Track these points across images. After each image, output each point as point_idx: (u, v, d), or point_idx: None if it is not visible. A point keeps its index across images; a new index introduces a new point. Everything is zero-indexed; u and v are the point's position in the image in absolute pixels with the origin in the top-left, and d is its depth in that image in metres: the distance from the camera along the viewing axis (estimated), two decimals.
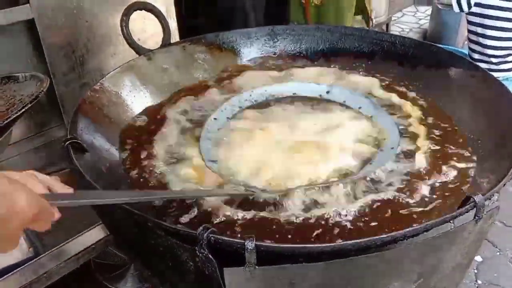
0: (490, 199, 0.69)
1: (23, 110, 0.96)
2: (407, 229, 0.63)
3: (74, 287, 1.40)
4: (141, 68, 1.19)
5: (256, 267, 0.60)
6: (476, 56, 2.44)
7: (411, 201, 0.84)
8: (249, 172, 0.94)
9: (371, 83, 1.24)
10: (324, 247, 0.61)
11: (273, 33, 1.41)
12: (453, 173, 0.90)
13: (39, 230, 0.56)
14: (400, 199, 0.84)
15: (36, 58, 1.41)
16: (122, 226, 0.82)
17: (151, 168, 0.94)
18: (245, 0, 2.32)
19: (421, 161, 0.94)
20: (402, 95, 1.17)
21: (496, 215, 0.69)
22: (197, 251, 0.61)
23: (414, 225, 0.64)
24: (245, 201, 0.85)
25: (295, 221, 0.80)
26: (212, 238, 0.61)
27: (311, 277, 0.63)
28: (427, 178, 0.89)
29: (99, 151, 0.95)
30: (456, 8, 2.35)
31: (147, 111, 1.14)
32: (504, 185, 0.73)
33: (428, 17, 4.11)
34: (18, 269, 1.11)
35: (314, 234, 0.77)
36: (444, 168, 0.92)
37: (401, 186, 0.88)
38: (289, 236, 0.76)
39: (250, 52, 1.38)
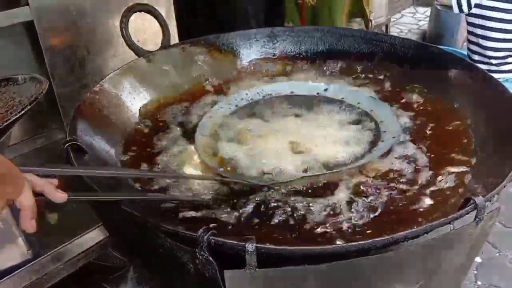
0: (490, 200, 0.69)
1: (22, 112, 0.96)
2: (408, 231, 0.63)
3: None
4: (140, 69, 1.19)
5: (257, 269, 0.60)
6: (475, 57, 2.44)
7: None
8: (246, 165, 0.94)
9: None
10: (325, 249, 0.61)
11: (272, 34, 1.41)
12: (452, 173, 0.91)
13: (7, 197, 0.53)
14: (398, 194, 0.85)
15: (35, 60, 1.41)
16: (122, 227, 0.82)
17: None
18: (244, 1, 2.32)
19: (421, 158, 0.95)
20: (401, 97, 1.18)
21: (497, 216, 0.69)
22: (197, 253, 0.61)
23: (415, 226, 0.64)
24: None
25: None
26: (212, 240, 0.61)
27: (312, 279, 0.63)
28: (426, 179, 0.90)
29: (99, 152, 0.95)
30: (456, 9, 2.35)
31: (147, 114, 1.14)
32: (505, 186, 0.73)
33: (427, 18, 4.12)
34: (17, 271, 1.11)
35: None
36: (443, 167, 0.92)
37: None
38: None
39: (249, 53, 1.38)
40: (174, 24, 1.63)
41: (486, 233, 0.72)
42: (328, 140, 1.02)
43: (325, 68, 1.34)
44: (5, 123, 0.94)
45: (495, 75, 1.13)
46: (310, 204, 0.84)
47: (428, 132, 1.04)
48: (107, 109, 1.06)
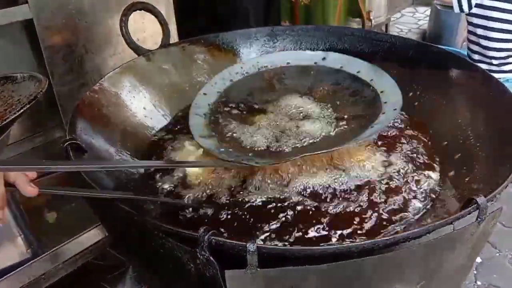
0: (492, 200, 0.68)
1: (22, 110, 0.95)
2: (410, 231, 0.63)
3: None
4: (140, 68, 1.18)
5: (258, 269, 0.60)
6: (476, 57, 2.44)
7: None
8: (241, 144, 0.93)
9: None
10: (326, 249, 0.61)
11: (272, 33, 1.41)
12: (452, 173, 0.90)
13: None
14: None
15: (34, 58, 1.41)
16: (122, 227, 0.81)
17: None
18: (244, 0, 2.31)
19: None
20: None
21: (498, 216, 0.69)
22: (198, 253, 0.61)
23: (417, 226, 0.63)
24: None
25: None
26: (213, 240, 0.60)
27: (313, 279, 0.62)
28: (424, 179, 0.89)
29: (98, 151, 0.94)
30: (456, 8, 2.34)
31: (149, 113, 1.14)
32: (506, 186, 0.73)
33: (427, 18, 4.11)
34: (16, 270, 1.11)
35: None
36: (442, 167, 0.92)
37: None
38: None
39: (250, 52, 1.37)
40: (174, 23, 1.62)
41: (487, 233, 0.72)
42: (326, 115, 0.98)
43: None
44: (4, 122, 0.94)
45: (496, 75, 1.12)
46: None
47: (426, 131, 1.03)
48: (107, 108, 1.05)
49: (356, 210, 0.83)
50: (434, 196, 0.87)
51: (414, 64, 1.23)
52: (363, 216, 0.82)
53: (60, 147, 0.83)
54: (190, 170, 0.93)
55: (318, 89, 1.06)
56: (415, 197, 0.88)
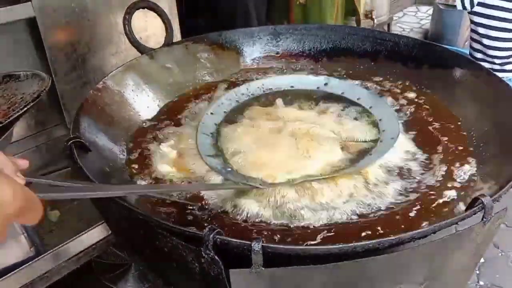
0: (498, 200, 0.68)
1: (25, 109, 0.95)
2: (415, 231, 0.63)
3: (74, 287, 1.39)
4: (143, 67, 1.18)
5: (263, 268, 0.60)
6: (478, 55, 2.43)
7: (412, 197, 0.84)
8: (247, 167, 0.93)
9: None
10: (332, 248, 0.60)
11: (275, 32, 1.41)
12: (457, 173, 0.90)
13: (27, 223, 0.53)
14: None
15: (37, 57, 1.41)
16: (125, 225, 0.81)
17: (153, 169, 0.94)
18: (246, 1, 2.31)
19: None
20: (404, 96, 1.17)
21: (504, 217, 0.69)
22: (202, 252, 0.61)
23: (422, 226, 0.63)
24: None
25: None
26: (218, 239, 0.60)
27: (317, 279, 0.62)
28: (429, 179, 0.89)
29: (102, 150, 0.94)
30: (459, 6, 2.34)
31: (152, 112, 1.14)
32: None
33: (429, 17, 4.11)
34: (19, 268, 1.11)
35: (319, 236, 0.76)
36: (447, 167, 0.91)
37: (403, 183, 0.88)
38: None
39: (253, 51, 1.37)
40: (177, 21, 1.62)
41: (492, 233, 0.72)
42: (327, 140, 0.99)
43: (328, 65, 1.33)
44: (8, 120, 0.94)
45: (499, 75, 1.12)
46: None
47: (430, 131, 1.03)
48: (110, 106, 1.05)
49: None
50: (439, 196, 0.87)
51: (418, 63, 1.23)
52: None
53: (63, 145, 0.83)
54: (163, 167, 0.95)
55: (320, 114, 1.09)
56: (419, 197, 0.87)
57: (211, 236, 0.60)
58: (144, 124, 1.09)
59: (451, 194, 0.84)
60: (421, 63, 1.22)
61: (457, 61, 1.15)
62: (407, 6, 4.78)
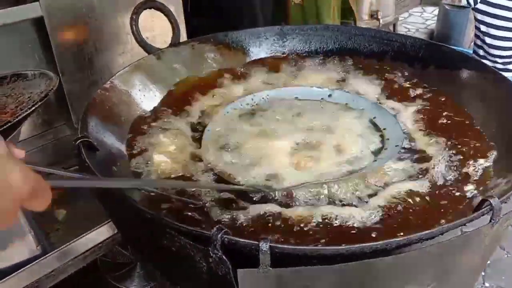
0: (506, 202, 0.68)
1: (33, 108, 0.96)
2: (423, 232, 0.63)
3: (80, 286, 1.40)
4: (150, 67, 1.18)
5: (270, 268, 0.60)
6: (480, 52, 2.43)
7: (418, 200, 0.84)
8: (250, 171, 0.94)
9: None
10: (339, 249, 0.60)
11: (282, 32, 1.41)
12: (464, 174, 0.90)
13: (35, 209, 0.53)
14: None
15: (44, 56, 1.42)
16: (133, 225, 0.81)
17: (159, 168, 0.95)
18: (252, 0, 2.32)
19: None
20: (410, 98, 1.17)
21: None
22: (210, 252, 0.61)
23: (430, 227, 0.63)
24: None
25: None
26: (226, 239, 0.61)
27: (325, 280, 0.62)
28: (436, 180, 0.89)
29: (110, 149, 0.95)
30: (463, 1, 2.34)
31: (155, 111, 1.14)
32: None
33: (435, 18, 4.10)
34: (26, 267, 1.11)
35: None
36: (454, 168, 0.91)
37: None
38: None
39: (259, 51, 1.38)
40: (183, 21, 1.63)
41: (500, 235, 0.72)
42: (330, 148, 1.00)
43: (334, 66, 1.33)
44: (16, 119, 0.94)
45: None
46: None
47: (437, 133, 1.03)
48: (117, 106, 1.06)
49: None
50: (445, 197, 0.87)
51: (425, 64, 1.22)
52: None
53: (72, 145, 0.84)
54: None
55: (325, 123, 1.09)
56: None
57: (219, 235, 0.60)
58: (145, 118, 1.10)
59: (468, 189, 0.85)
60: (428, 64, 1.22)
61: (464, 62, 1.15)
62: (412, 6, 4.77)
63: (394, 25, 3.66)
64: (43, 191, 0.51)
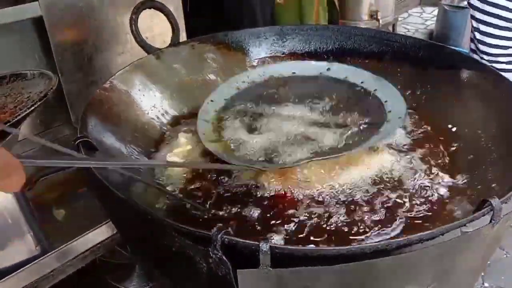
0: (507, 202, 0.68)
1: (32, 108, 0.96)
2: (423, 233, 0.63)
3: (80, 286, 1.40)
4: (150, 67, 1.18)
5: (270, 269, 0.60)
6: (472, 45, 2.44)
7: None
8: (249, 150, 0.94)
9: None
10: (340, 249, 0.60)
11: (282, 32, 1.40)
12: (464, 175, 0.90)
13: (7, 190, 0.51)
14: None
15: (43, 56, 1.41)
16: (132, 225, 0.81)
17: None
18: (252, 0, 2.31)
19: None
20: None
21: None
22: (210, 253, 0.61)
23: (431, 227, 0.63)
24: None
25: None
26: (226, 239, 0.60)
27: (325, 280, 0.62)
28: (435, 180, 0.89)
29: (109, 149, 0.95)
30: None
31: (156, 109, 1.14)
32: None
33: (434, 18, 4.10)
34: (25, 267, 1.11)
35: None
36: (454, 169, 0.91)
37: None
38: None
39: (259, 51, 1.37)
40: (183, 21, 1.62)
41: (501, 235, 0.72)
42: (331, 123, 0.99)
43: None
44: (15, 119, 0.94)
45: None
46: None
47: (436, 133, 1.03)
48: (117, 106, 1.05)
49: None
50: (446, 196, 0.87)
51: (424, 65, 1.22)
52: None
53: (71, 145, 0.83)
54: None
55: (323, 98, 1.08)
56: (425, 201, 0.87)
57: (219, 236, 0.60)
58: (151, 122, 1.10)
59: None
60: (428, 65, 1.22)
61: (465, 63, 1.14)
62: (412, 7, 4.77)
63: (394, 26, 3.66)
64: (15, 169, 0.48)
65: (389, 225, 0.81)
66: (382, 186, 0.89)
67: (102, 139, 0.94)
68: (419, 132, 1.06)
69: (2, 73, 1.15)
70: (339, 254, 0.61)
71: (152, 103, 1.14)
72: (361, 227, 0.81)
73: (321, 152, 0.91)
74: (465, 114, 1.08)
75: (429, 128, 1.07)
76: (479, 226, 0.66)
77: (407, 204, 0.85)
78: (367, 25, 3.17)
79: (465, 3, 2.34)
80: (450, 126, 1.06)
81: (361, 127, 0.97)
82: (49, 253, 1.15)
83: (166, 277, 0.86)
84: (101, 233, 1.25)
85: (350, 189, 0.87)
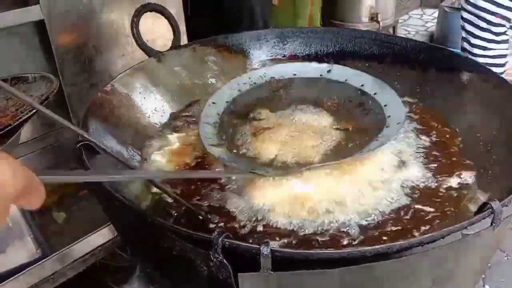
0: (507, 205, 0.68)
1: (34, 111, 0.96)
2: (424, 236, 0.63)
3: None
4: (151, 70, 1.18)
5: (271, 272, 0.60)
6: (462, 45, 2.48)
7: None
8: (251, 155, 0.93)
9: None
10: (341, 253, 0.60)
11: (282, 35, 1.40)
12: (464, 177, 0.90)
13: (27, 207, 0.51)
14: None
15: (45, 59, 1.42)
16: (133, 228, 0.81)
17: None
18: (252, 0, 2.32)
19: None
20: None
21: None
22: (211, 256, 0.61)
23: (431, 231, 0.63)
24: None
25: None
26: (226, 243, 0.60)
27: (326, 284, 0.62)
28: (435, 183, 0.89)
29: (110, 152, 0.94)
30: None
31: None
32: None
33: (435, 20, 4.10)
34: (26, 270, 1.11)
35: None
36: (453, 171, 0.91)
37: None
38: None
39: (260, 54, 1.37)
40: (183, 23, 1.63)
41: (501, 238, 0.72)
42: (331, 127, 0.99)
43: None
44: (17, 122, 0.95)
45: None
46: None
47: (436, 134, 1.03)
48: (118, 109, 1.05)
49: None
50: (446, 199, 0.87)
51: (425, 67, 1.22)
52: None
53: (72, 148, 0.83)
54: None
55: (324, 101, 1.08)
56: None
57: (220, 239, 0.60)
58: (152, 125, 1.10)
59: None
60: (429, 67, 1.22)
61: (465, 65, 1.15)
62: (412, 9, 4.76)
63: (394, 28, 3.66)
64: (36, 187, 0.48)
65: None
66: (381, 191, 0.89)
67: (103, 142, 0.94)
68: (419, 133, 1.05)
69: (4, 77, 1.15)
70: (339, 257, 0.61)
71: (153, 106, 1.14)
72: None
73: (321, 157, 0.91)
74: (465, 116, 1.08)
75: (428, 130, 1.07)
76: (480, 229, 0.66)
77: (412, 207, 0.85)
78: (367, 27, 3.17)
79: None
80: (450, 128, 1.06)
81: (360, 132, 0.97)
82: (50, 256, 1.16)
83: (166, 280, 0.86)
84: (101, 236, 1.25)
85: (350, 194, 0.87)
